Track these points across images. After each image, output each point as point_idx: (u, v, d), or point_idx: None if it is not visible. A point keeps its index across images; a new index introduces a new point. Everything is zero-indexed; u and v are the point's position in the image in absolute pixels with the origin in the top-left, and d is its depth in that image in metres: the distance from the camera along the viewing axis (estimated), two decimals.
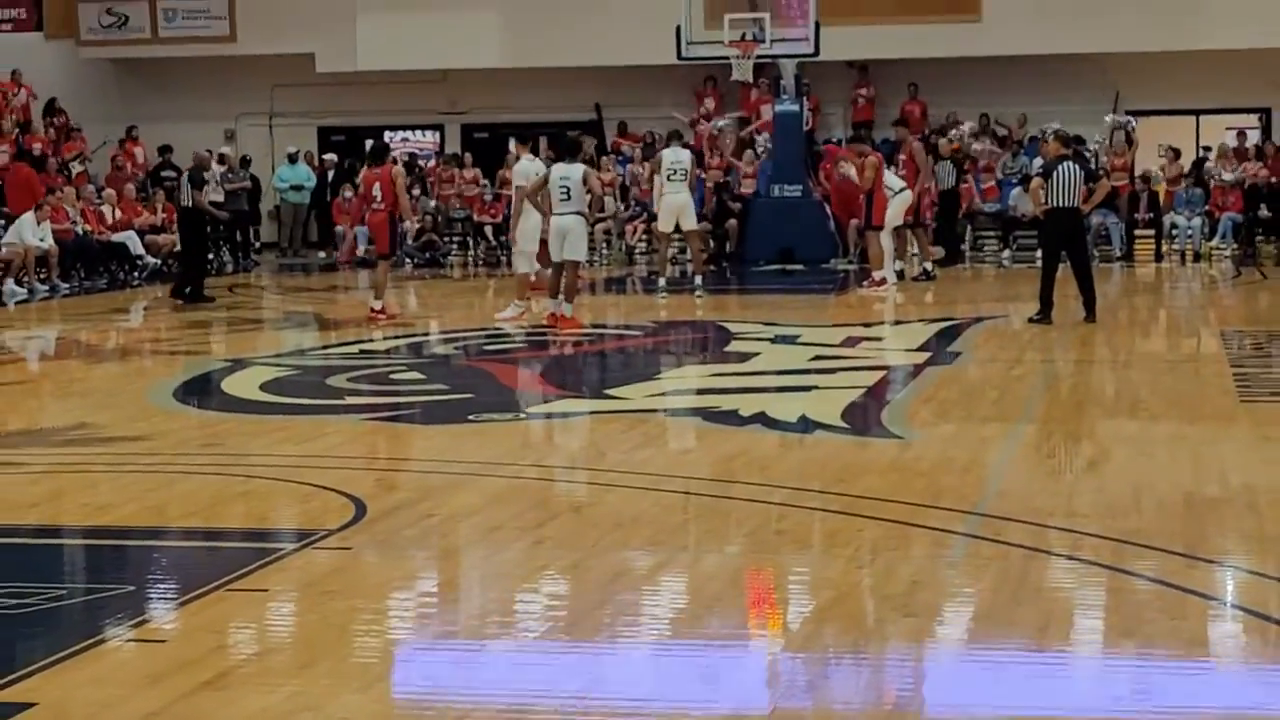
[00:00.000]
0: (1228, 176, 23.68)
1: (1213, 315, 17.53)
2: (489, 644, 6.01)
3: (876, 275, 19.37)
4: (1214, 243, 23.40)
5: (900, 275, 19.69)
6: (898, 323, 16.55)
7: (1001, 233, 23.78)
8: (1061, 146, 15.98)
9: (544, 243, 16.64)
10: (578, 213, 16.04)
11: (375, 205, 17.29)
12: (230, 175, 24.95)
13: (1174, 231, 23.55)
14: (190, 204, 20.00)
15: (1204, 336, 15.76)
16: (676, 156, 19.74)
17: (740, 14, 22.67)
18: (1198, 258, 23.09)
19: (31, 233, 21.03)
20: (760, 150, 24.53)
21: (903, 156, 20.58)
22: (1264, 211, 23.52)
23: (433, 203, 25.44)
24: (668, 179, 19.64)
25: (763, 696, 5.33)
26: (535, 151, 18.20)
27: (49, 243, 21.23)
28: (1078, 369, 13.27)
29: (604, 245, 24.13)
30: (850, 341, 14.85)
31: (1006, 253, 23.39)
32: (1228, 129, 25.42)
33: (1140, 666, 5.57)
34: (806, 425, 10.24)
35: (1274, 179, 23.63)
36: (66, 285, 21.34)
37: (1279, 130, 25.45)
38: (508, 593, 6.74)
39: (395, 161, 19.96)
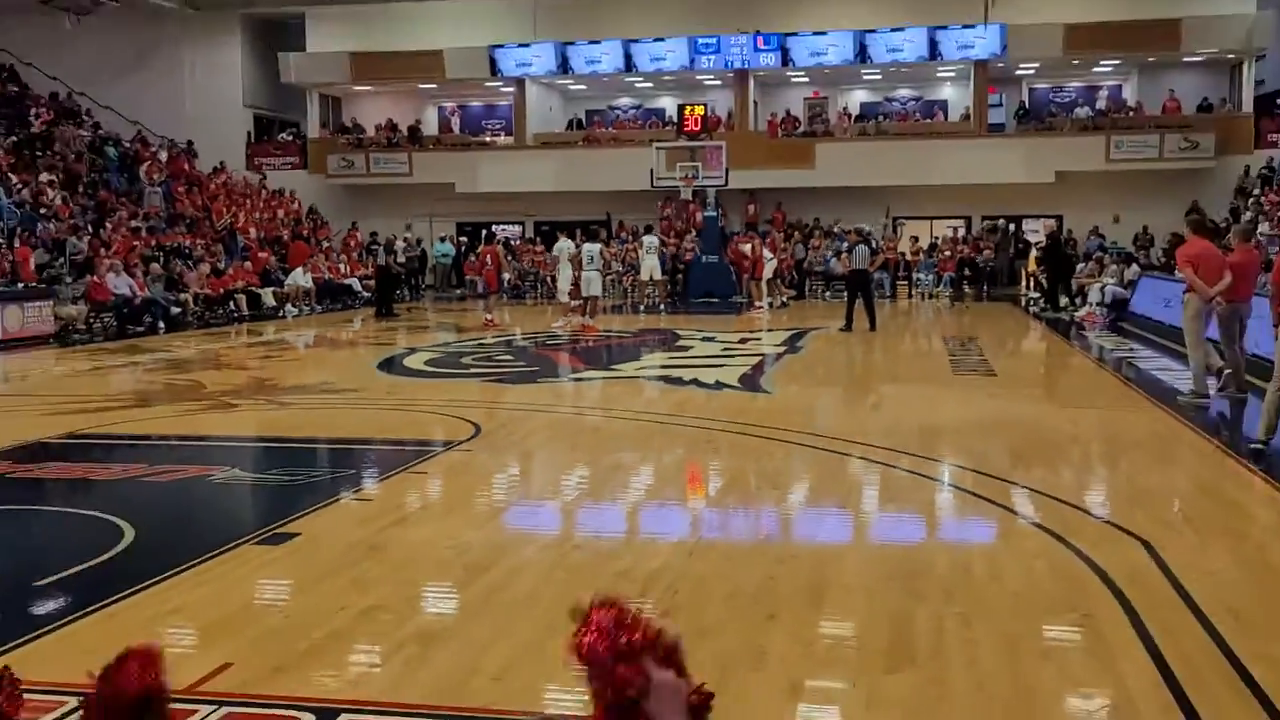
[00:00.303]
0: (947, 253, 23.70)
1: (939, 328, 17.50)
2: (547, 501, 6.01)
3: (757, 304, 19.40)
4: (939, 289, 23.37)
5: (770, 306, 19.68)
6: (769, 330, 16.49)
7: (825, 283, 23.66)
8: (858, 235, 15.90)
9: (576, 285, 16.69)
10: (597, 270, 16.31)
11: (488, 266, 17.68)
12: (409, 248, 24.78)
13: (918, 282, 23.55)
14: (385, 263, 20.25)
15: (933, 339, 15.73)
16: (650, 240, 20.21)
17: (685, 163, 22.52)
18: (930, 297, 23.07)
19: (301, 278, 20.99)
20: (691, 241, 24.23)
21: (769, 240, 20.65)
22: (966, 272, 23.51)
23: (517, 264, 25.30)
24: (646, 251, 19.97)
25: (694, 531, 5.33)
26: (571, 236, 18.18)
27: (310, 284, 21.16)
28: (865, 356, 13.26)
29: (610, 288, 23.92)
30: (743, 340, 14.82)
31: (828, 294, 23.29)
32: (947, 227, 25.41)
33: (897, 517, 5.59)
34: (719, 385, 10.23)
35: (972, 254, 23.62)
36: (320, 307, 21.19)
37: (975, 228, 25.46)
38: (557, 474, 6.73)
39: (498, 241, 20.17)
